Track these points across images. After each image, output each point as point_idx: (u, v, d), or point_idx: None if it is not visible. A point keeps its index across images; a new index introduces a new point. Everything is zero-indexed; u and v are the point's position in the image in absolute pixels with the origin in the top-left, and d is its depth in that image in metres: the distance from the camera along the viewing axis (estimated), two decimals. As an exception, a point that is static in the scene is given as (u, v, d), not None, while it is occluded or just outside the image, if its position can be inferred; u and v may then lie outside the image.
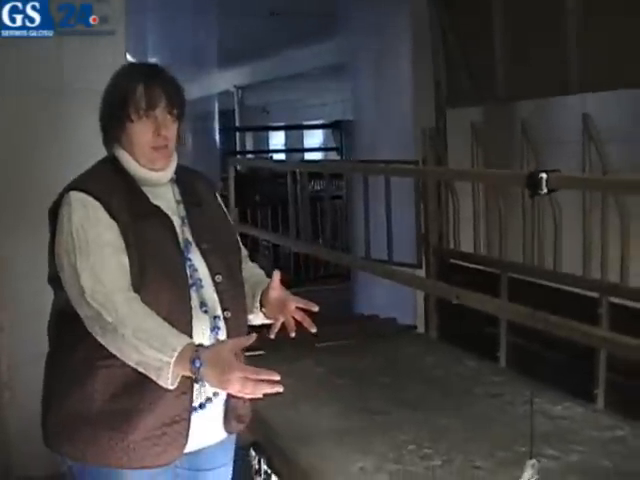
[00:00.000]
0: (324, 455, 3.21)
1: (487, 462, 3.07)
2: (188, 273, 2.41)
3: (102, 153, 2.54)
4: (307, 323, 2.49)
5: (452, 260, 4.87)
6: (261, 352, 4.53)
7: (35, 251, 3.18)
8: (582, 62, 3.87)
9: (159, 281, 2.33)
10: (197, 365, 2.16)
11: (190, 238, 2.47)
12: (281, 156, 15.52)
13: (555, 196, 3.99)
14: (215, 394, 2.44)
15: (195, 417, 2.44)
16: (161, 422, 2.38)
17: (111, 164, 2.50)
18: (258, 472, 3.67)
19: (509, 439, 3.27)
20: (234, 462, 2.90)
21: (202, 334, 2.39)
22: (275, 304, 2.54)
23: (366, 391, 3.93)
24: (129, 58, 6.01)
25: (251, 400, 2.42)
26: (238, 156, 13.33)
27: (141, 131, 2.42)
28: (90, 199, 2.38)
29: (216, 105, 8.34)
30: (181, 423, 2.41)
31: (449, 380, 4.10)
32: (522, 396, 3.80)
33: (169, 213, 2.47)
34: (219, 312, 2.44)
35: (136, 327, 2.24)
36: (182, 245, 2.44)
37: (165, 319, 2.27)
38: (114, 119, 2.44)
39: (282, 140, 18.85)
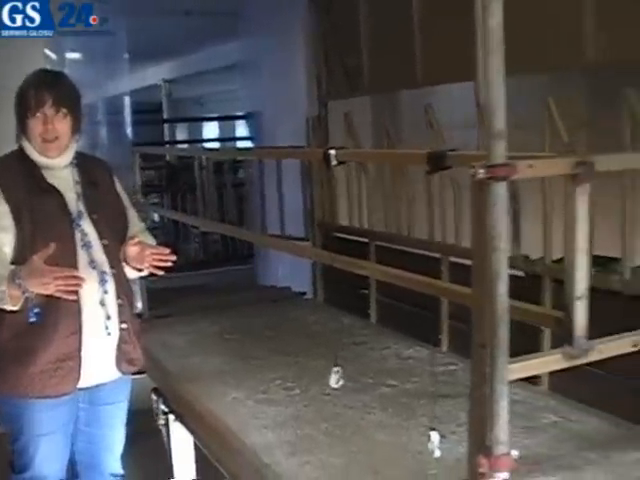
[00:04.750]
0: (206, 391, 3.83)
1: (337, 391, 3.68)
2: (79, 237, 3.08)
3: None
4: (162, 259, 3.18)
5: (334, 233, 5.54)
6: (170, 316, 5.26)
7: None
8: (425, 59, 4.55)
9: (49, 241, 2.92)
10: (17, 281, 2.87)
11: (83, 210, 3.13)
12: (216, 145, 15.93)
13: (410, 177, 4.69)
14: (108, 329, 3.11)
15: (89, 356, 3.08)
16: (55, 357, 3.02)
17: (19, 152, 3.17)
18: (157, 412, 4.32)
19: (360, 374, 3.95)
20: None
21: (91, 285, 3.05)
22: (133, 256, 3.20)
23: (249, 343, 4.56)
24: (48, 53, 6.48)
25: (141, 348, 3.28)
26: (167, 145, 14.03)
27: (34, 125, 3.07)
28: None
29: (127, 100, 8.96)
30: (73, 359, 3.04)
31: (324, 333, 4.69)
32: (381, 343, 4.49)
33: (65, 190, 3.13)
34: (106, 268, 3.13)
35: None
36: (75, 215, 3.09)
37: None
38: (18, 117, 3.13)
39: (217, 131, 19.39)
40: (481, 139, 4.01)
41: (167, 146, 13.91)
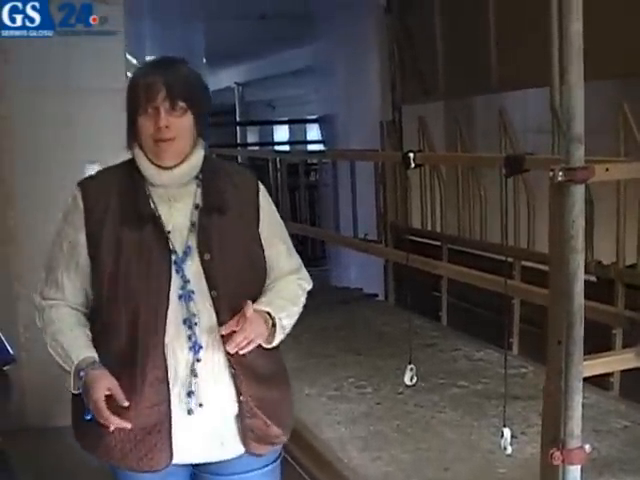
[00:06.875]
0: (280, 387, 3.97)
1: (409, 390, 3.77)
2: (178, 284, 2.23)
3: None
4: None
5: (406, 236, 5.60)
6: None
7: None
8: (500, 65, 4.60)
9: (132, 288, 2.24)
10: (81, 375, 2.20)
11: (193, 246, 2.25)
12: (286, 148, 16.06)
13: (483, 181, 4.74)
14: (200, 404, 2.21)
15: (182, 430, 2.28)
16: (139, 427, 2.27)
17: (126, 164, 2.38)
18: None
19: (431, 374, 4.02)
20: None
21: (179, 347, 2.22)
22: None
23: (322, 342, 4.68)
24: (129, 58, 6.59)
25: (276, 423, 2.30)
26: (239, 148, 14.24)
27: (145, 124, 2.26)
28: (79, 200, 2.33)
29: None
30: (159, 434, 2.28)
31: (394, 334, 4.79)
32: (451, 345, 4.56)
33: (175, 218, 2.28)
34: (208, 329, 2.22)
35: (52, 337, 2.30)
36: (179, 253, 2.24)
37: (135, 327, 2.22)
38: (128, 115, 2.31)
39: (287, 134, 19.58)
40: (556, 143, 4.05)
41: (238, 148, 14.13)
